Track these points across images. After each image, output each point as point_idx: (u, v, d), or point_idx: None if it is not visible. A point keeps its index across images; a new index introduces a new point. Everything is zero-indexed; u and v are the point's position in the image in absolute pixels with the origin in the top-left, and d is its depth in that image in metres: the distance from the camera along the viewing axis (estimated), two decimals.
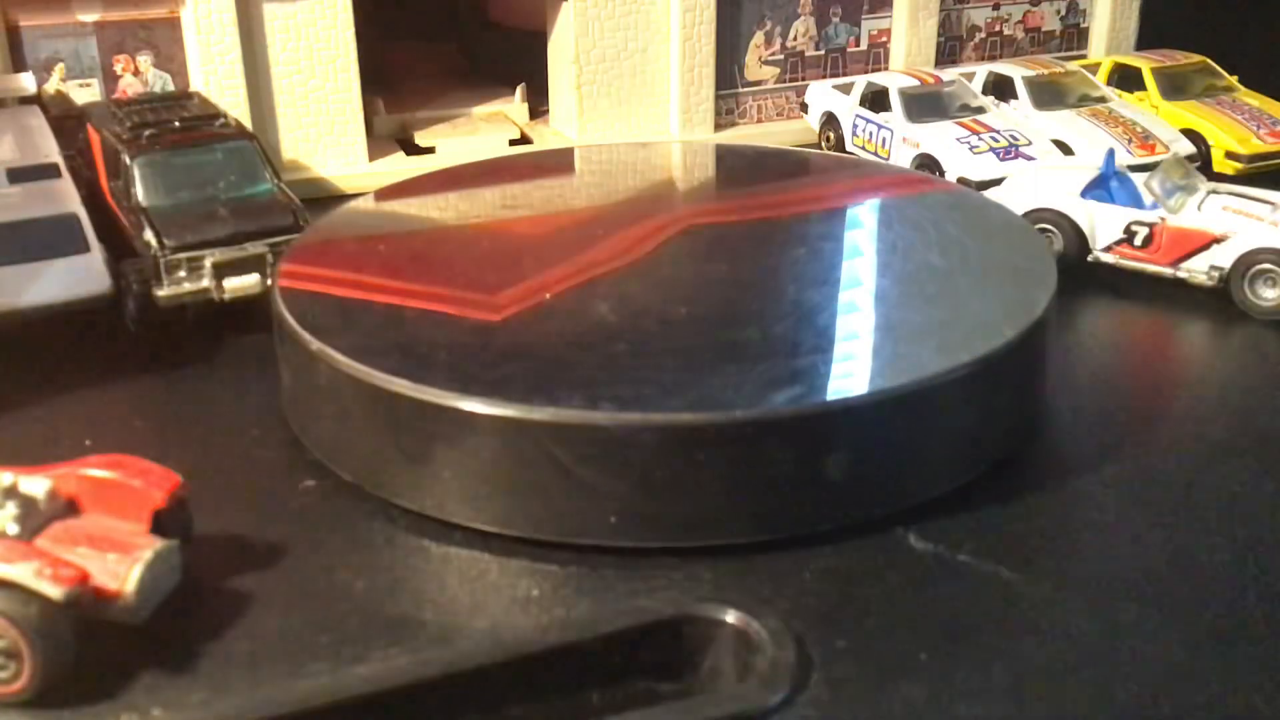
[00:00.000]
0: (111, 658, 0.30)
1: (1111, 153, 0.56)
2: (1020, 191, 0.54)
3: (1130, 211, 0.52)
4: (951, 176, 0.60)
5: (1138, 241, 0.51)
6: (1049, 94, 0.67)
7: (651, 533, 0.34)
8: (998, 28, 0.78)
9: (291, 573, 0.34)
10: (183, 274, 0.46)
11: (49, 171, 0.50)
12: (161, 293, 0.46)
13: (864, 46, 0.74)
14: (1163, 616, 0.32)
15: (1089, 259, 0.52)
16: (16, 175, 0.50)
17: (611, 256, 0.44)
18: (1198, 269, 0.50)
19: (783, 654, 0.29)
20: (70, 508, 0.31)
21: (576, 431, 0.33)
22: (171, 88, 0.61)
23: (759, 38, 0.71)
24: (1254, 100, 0.69)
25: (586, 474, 0.33)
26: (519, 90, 0.74)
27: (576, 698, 0.30)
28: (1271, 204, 0.51)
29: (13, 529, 0.30)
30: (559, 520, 0.34)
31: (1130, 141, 0.62)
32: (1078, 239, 0.52)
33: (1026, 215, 0.52)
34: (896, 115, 0.65)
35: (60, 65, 0.60)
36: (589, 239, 0.46)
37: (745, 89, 0.72)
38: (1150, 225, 0.51)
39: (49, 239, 0.46)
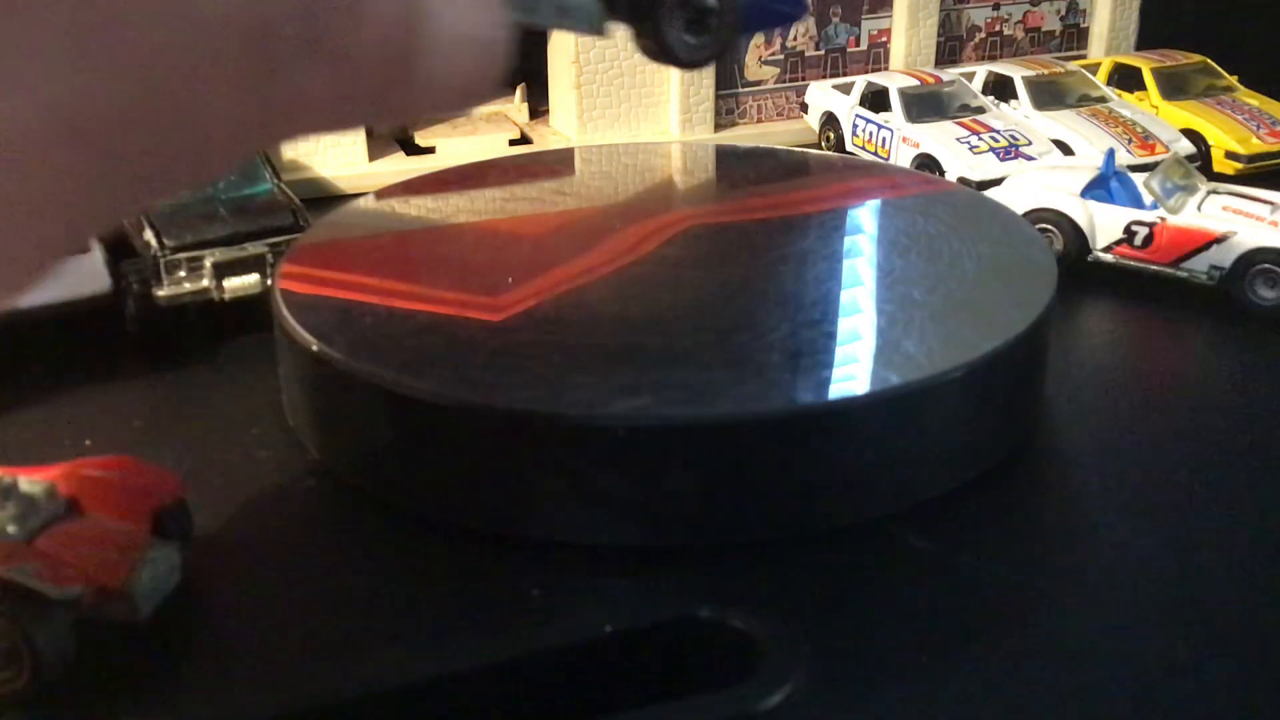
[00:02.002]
0: (111, 658, 0.30)
1: (1111, 153, 0.56)
2: (1020, 191, 0.54)
3: (1130, 211, 0.52)
4: (951, 176, 0.60)
5: (1138, 241, 0.51)
6: (1049, 94, 0.67)
7: (651, 532, 0.34)
8: (998, 28, 0.78)
9: (291, 573, 0.34)
10: (183, 274, 0.46)
11: None
12: (161, 293, 0.46)
13: (864, 46, 0.74)
14: (1163, 616, 0.32)
15: (1089, 259, 0.52)
16: None
17: (610, 258, 0.44)
18: (1198, 269, 0.50)
19: (783, 654, 0.29)
20: (70, 508, 0.31)
21: (576, 431, 0.33)
22: None
23: (759, 38, 0.71)
24: (1254, 100, 0.69)
25: (586, 473, 0.33)
26: (519, 90, 0.74)
27: (577, 698, 0.30)
28: (1271, 204, 0.51)
29: (13, 529, 0.30)
30: (559, 520, 0.34)
31: (1130, 141, 0.62)
32: (1078, 239, 0.52)
33: (1026, 215, 0.52)
34: (896, 115, 0.65)
35: None
36: (587, 240, 0.46)
37: (745, 89, 0.72)
38: (1150, 225, 0.51)
39: None
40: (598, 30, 0.30)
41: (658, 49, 0.32)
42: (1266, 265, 0.49)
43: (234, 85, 0.16)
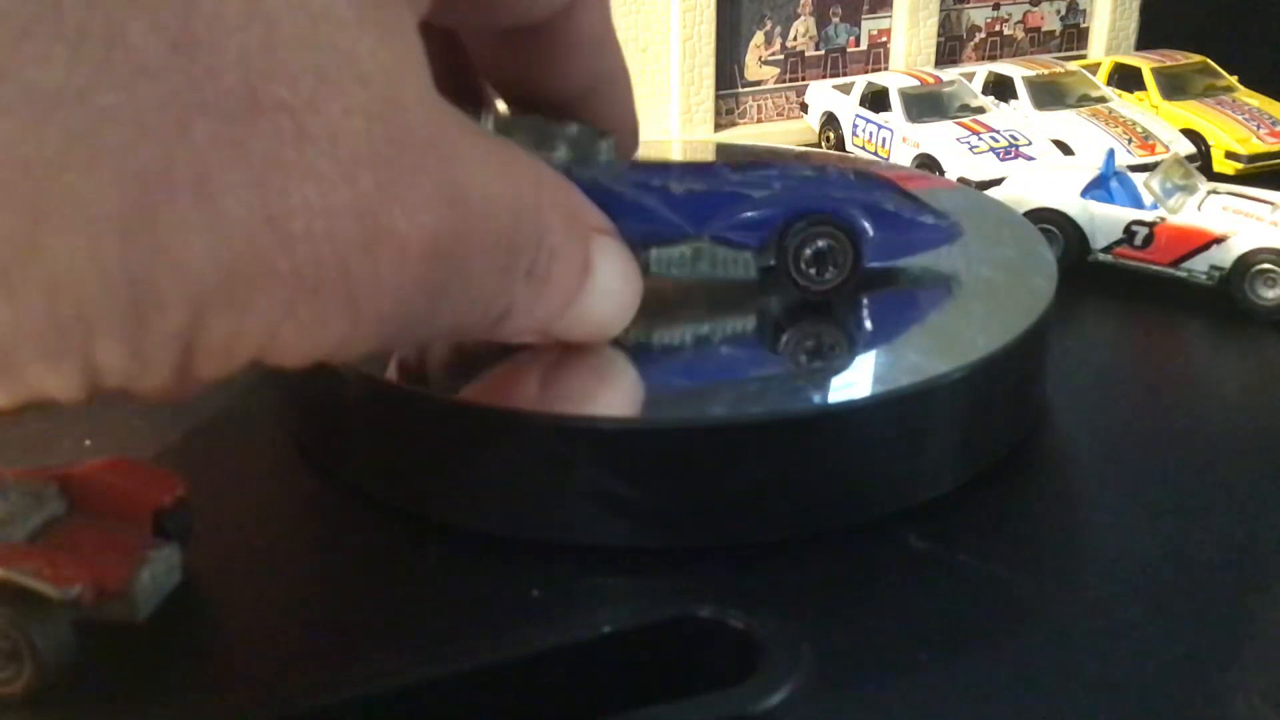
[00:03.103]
0: (111, 658, 0.30)
1: (1111, 153, 0.56)
2: (1020, 191, 0.54)
3: (1130, 211, 0.52)
4: (951, 176, 0.60)
5: (1138, 241, 0.52)
6: (1049, 94, 0.67)
7: (652, 533, 0.34)
8: (998, 28, 0.78)
9: (292, 573, 0.34)
10: None
11: None
12: None
13: (864, 46, 0.74)
14: (1163, 616, 0.32)
15: (1089, 259, 0.52)
16: None
17: None
18: (1198, 269, 0.50)
19: (783, 654, 0.29)
20: (70, 508, 0.31)
21: (576, 432, 0.33)
22: None
23: (759, 38, 0.71)
24: (1254, 100, 0.69)
25: (587, 473, 0.33)
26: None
27: (577, 698, 0.30)
28: (1271, 204, 0.51)
29: (13, 530, 0.30)
30: (559, 520, 0.34)
31: (1130, 141, 0.62)
32: (1078, 239, 0.52)
33: (1026, 215, 0.52)
34: (896, 115, 0.65)
35: None
36: None
37: (745, 89, 0.72)
38: (1150, 225, 0.51)
39: None
40: (751, 276, 0.38)
41: (787, 280, 0.38)
42: (1266, 265, 0.49)
43: (489, 269, 0.23)
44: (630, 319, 0.27)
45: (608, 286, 0.27)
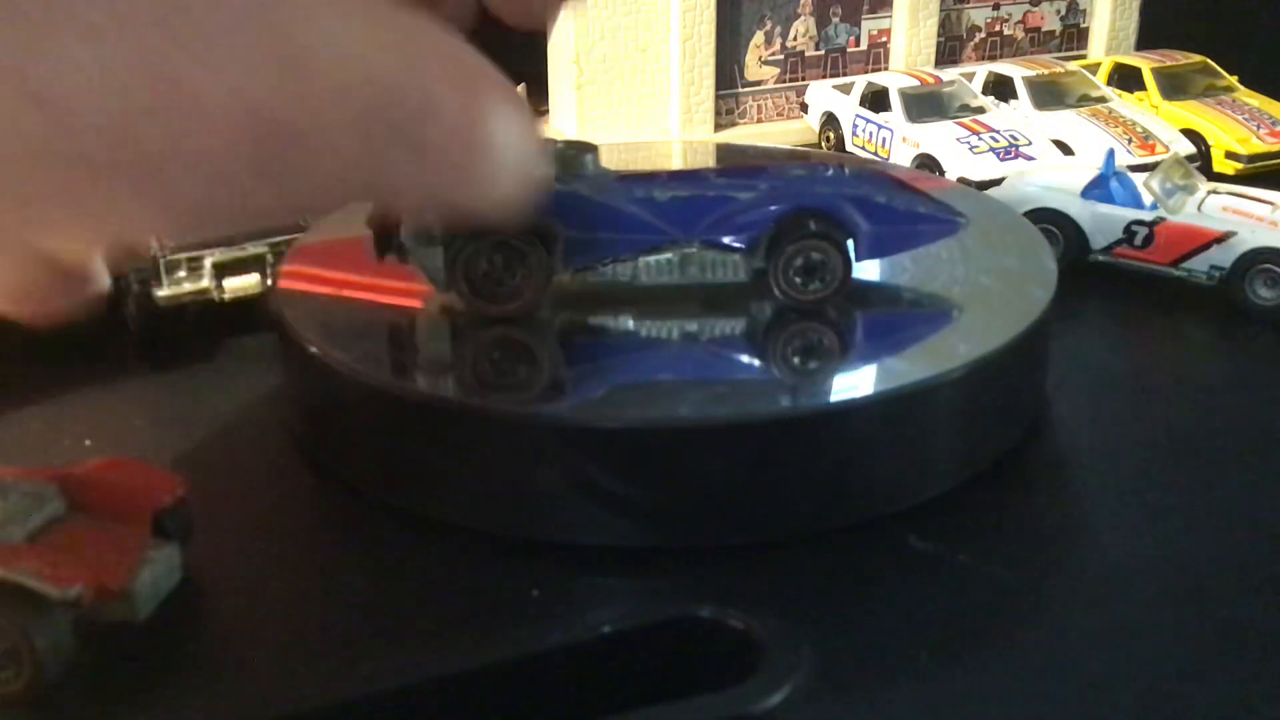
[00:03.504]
0: (112, 658, 0.30)
1: (1111, 153, 0.55)
2: (1020, 191, 0.54)
3: (1130, 211, 0.52)
4: (951, 176, 0.60)
5: (1138, 241, 0.51)
6: (1049, 94, 0.67)
7: (652, 532, 0.34)
8: (998, 28, 0.78)
9: (291, 573, 0.34)
10: (183, 274, 0.46)
11: None
12: (161, 293, 0.45)
13: (864, 46, 0.74)
14: (1163, 616, 0.32)
15: (1089, 259, 0.52)
16: None
17: None
18: (1198, 269, 0.50)
19: (783, 654, 0.29)
20: (70, 508, 0.31)
21: (576, 432, 0.33)
22: None
23: (759, 38, 0.71)
24: (1254, 100, 0.69)
25: (588, 474, 0.33)
26: (519, 90, 0.74)
27: (576, 698, 0.30)
28: (1271, 204, 0.51)
29: (13, 529, 0.30)
30: (559, 520, 0.34)
31: (1130, 141, 0.62)
32: (1078, 239, 0.52)
33: (1026, 215, 0.52)
34: (896, 115, 0.65)
35: None
36: None
37: (745, 89, 0.72)
38: (1150, 225, 0.51)
39: None
40: (741, 279, 0.38)
41: (775, 289, 0.38)
42: (1266, 265, 0.49)
43: (347, 141, 0.20)
44: (532, 189, 0.24)
45: (504, 154, 0.23)
